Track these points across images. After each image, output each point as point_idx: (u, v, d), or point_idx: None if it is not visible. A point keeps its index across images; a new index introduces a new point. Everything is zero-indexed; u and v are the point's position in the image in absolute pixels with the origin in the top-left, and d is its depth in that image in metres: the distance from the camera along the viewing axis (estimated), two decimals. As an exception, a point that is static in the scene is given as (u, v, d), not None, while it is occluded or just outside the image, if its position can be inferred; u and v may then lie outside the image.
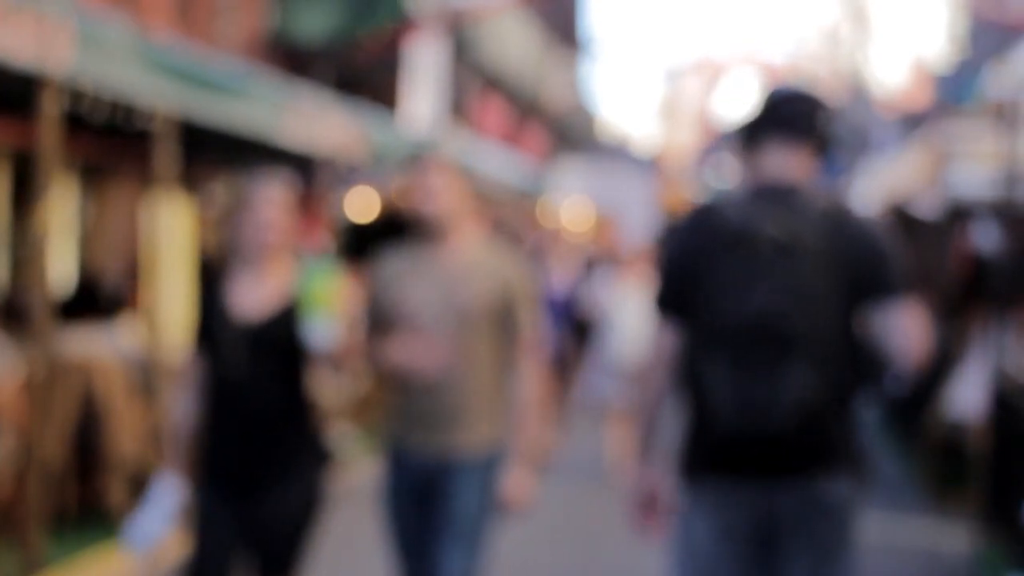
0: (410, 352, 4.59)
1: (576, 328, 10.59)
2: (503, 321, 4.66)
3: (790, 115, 3.81)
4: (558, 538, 8.17)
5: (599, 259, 16.36)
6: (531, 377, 4.71)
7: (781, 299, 3.63)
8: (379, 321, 4.69)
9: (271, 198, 4.55)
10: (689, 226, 3.81)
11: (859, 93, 35.66)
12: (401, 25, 15.76)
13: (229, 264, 4.69)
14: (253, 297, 4.54)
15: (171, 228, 8.13)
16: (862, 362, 3.74)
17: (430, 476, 4.62)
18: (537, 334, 4.74)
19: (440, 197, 4.66)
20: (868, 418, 13.29)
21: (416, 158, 4.81)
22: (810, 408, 3.62)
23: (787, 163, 3.79)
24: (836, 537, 3.70)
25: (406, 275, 4.67)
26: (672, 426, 3.92)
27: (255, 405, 4.47)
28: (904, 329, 3.69)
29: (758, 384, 3.62)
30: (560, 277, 10.70)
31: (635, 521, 3.91)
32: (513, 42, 25.03)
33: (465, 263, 4.67)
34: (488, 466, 4.64)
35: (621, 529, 8.47)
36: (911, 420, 11.06)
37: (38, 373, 6.68)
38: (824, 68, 38.97)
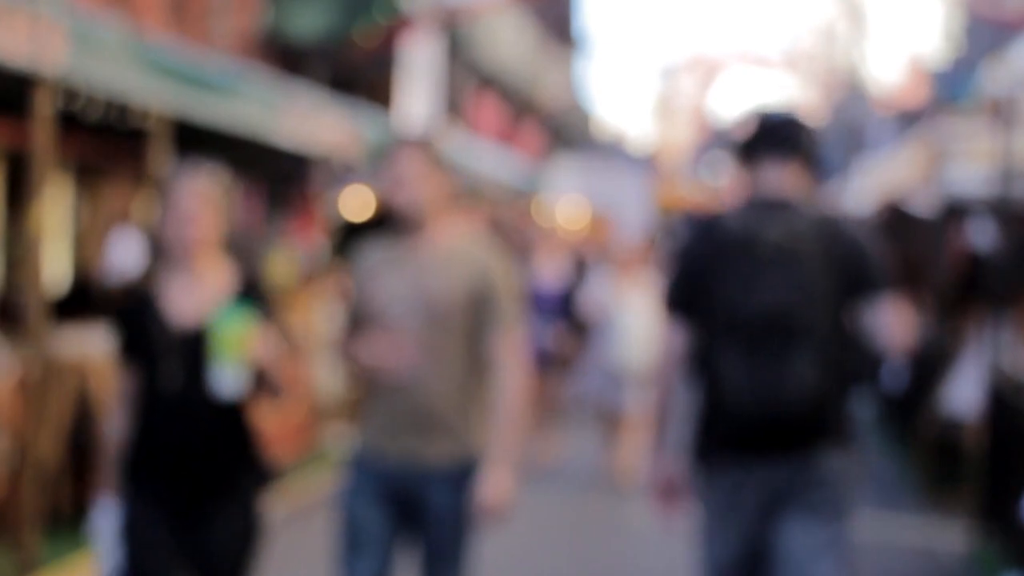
0: (377, 351, 4.32)
1: (574, 327, 10.52)
2: (481, 317, 4.34)
3: (782, 137, 4.30)
4: (553, 542, 8.16)
5: (596, 258, 16.34)
6: (512, 377, 4.35)
7: (785, 295, 4.10)
8: (356, 318, 4.44)
9: (194, 190, 4.21)
10: (696, 235, 4.31)
11: (855, 90, 35.70)
12: (395, 23, 15.75)
13: (159, 267, 4.37)
14: (188, 301, 4.23)
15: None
16: (855, 351, 4.21)
17: (403, 486, 4.32)
18: (519, 331, 4.41)
19: (413, 185, 4.34)
20: (864, 416, 13.29)
21: (391, 143, 4.48)
22: (813, 391, 4.08)
23: (781, 179, 4.27)
24: (829, 504, 4.14)
25: (379, 269, 4.39)
26: (682, 418, 4.30)
27: (192, 419, 4.17)
28: (889, 321, 4.16)
29: (768, 371, 4.08)
30: (551, 273, 10.65)
31: (656, 507, 4.34)
32: (508, 40, 25.02)
33: (439, 256, 4.36)
34: (466, 477, 4.33)
35: (619, 533, 8.46)
36: (907, 418, 11.06)
37: (33, 373, 6.67)
38: (820, 66, 39.00)
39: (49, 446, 7.16)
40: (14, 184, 9.49)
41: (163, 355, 4.17)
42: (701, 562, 4.26)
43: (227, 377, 4.12)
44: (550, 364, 10.52)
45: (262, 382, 4.24)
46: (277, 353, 4.24)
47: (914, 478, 10.09)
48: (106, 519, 4.25)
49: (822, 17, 42.79)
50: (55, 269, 9.67)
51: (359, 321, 4.42)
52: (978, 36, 19.98)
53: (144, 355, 4.20)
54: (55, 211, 9.48)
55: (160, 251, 4.39)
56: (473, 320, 4.34)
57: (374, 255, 4.46)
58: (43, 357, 6.76)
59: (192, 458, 4.17)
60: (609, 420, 9.96)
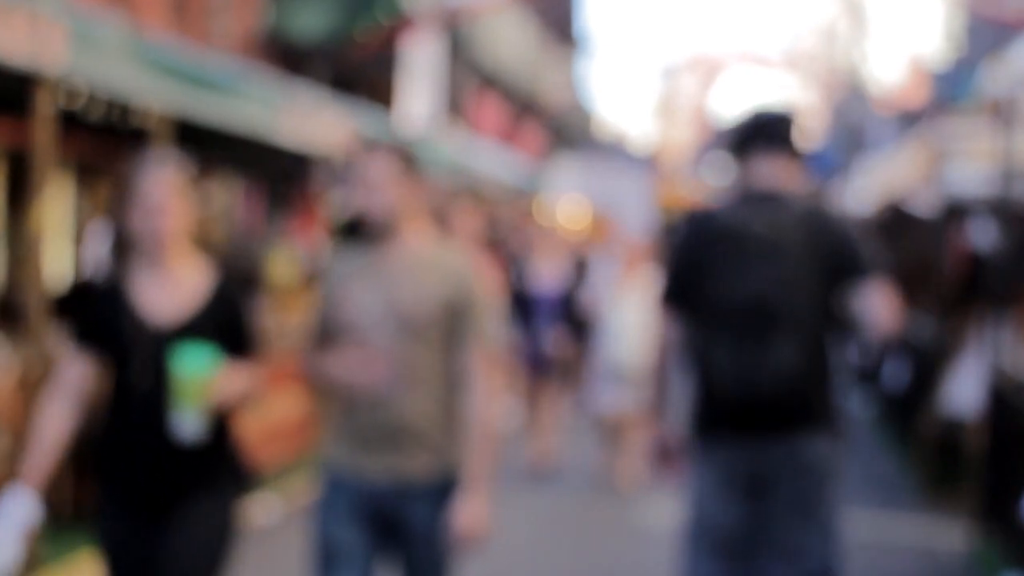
0: (350, 366, 4.11)
1: (574, 330, 10.40)
2: (456, 328, 4.14)
3: (772, 132, 4.53)
4: (553, 545, 8.16)
5: (598, 257, 16.34)
6: (485, 394, 4.14)
7: (768, 285, 4.36)
8: (323, 330, 4.21)
9: (161, 179, 4.02)
10: (689, 229, 4.57)
11: (856, 91, 35.67)
12: (397, 23, 15.76)
13: (128, 261, 4.19)
14: (162, 297, 4.07)
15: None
16: (839, 335, 4.48)
17: (381, 503, 4.13)
18: (496, 342, 4.21)
19: (383, 190, 4.13)
20: (864, 416, 13.28)
21: (360, 146, 4.32)
22: (793, 374, 4.35)
23: (771, 172, 4.51)
24: (813, 489, 4.41)
25: (349, 278, 4.17)
26: (680, 396, 4.63)
27: (164, 418, 3.99)
28: (874, 304, 4.39)
29: (751, 355, 4.35)
30: (551, 274, 10.55)
31: (654, 469, 4.68)
32: (509, 40, 25.02)
33: (412, 264, 4.15)
34: (447, 492, 4.14)
35: (619, 535, 8.46)
36: (907, 417, 11.06)
37: (33, 372, 6.68)
38: (820, 66, 38.98)
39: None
40: (15, 183, 9.49)
41: (135, 353, 4.02)
42: (695, 532, 4.50)
43: (188, 423, 3.98)
44: (549, 368, 10.40)
45: (231, 413, 4.11)
46: (245, 383, 4.08)
47: (914, 478, 10.09)
48: (12, 510, 3.99)
49: (823, 17, 42.80)
50: (56, 268, 9.68)
51: (328, 333, 4.21)
52: (978, 36, 19.97)
53: (114, 352, 4.05)
54: (56, 210, 9.48)
55: (128, 245, 4.21)
56: (449, 331, 4.14)
57: (343, 263, 4.26)
58: (43, 356, 6.76)
59: (164, 458, 4.01)
60: (606, 423, 9.89)
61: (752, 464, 4.41)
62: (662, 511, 8.50)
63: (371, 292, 4.13)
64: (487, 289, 4.22)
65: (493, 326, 4.20)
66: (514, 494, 9.20)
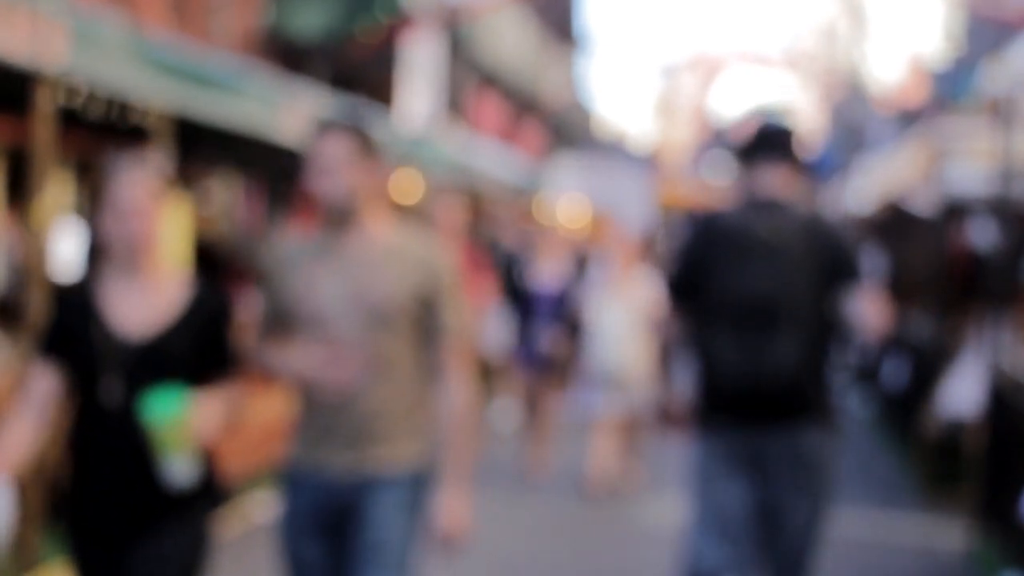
0: (316, 363, 3.85)
1: (571, 330, 10.33)
2: (426, 319, 3.92)
3: (775, 144, 4.86)
4: (550, 547, 8.16)
5: (597, 256, 16.31)
6: (459, 389, 3.94)
7: (770, 285, 4.65)
8: (277, 321, 3.97)
9: (135, 181, 3.77)
10: (696, 230, 4.89)
11: (856, 90, 35.67)
12: (397, 21, 15.75)
13: (98, 269, 3.94)
14: (135, 307, 3.82)
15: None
16: (834, 334, 4.75)
17: (343, 499, 3.91)
18: (467, 332, 3.99)
19: (340, 172, 3.86)
20: (864, 416, 13.28)
21: (314, 126, 3.95)
22: (792, 369, 4.62)
23: (774, 181, 4.83)
24: (810, 476, 4.69)
25: (308, 267, 3.91)
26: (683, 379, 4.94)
27: (134, 437, 3.75)
28: (864, 307, 4.67)
29: (753, 349, 4.62)
30: (550, 273, 10.50)
31: (660, 427, 5.00)
32: (509, 39, 25.02)
33: (377, 253, 3.90)
34: (413, 485, 3.91)
35: (618, 540, 8.45)
36: (907, 417, 11.06)
37: (33, 371, 6.66)
38: (820, 65, 38.98)
39: (49, 444, 7.16)
40: (15, 181, 9.49)
41: (105, 368, 3.77)
42: (702, 519, 4.74)
43: (178, 469, 3.79)
44: (547, 369, 10.35)
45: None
46: (224, 410, 3.88)
47: (914, 477, 10.09)
48: None
49: (823, 17, 42.79)
50: (56, 267, 9.66)
51: (278, 325, 3.98)
52: (978, 36, 19.97)
53: (81, 366, 3.80)
54: (55, 208, 9.48)
55: (101, 251, 3.95)
56: (419, 322, 3.92)
57: (295, 250, 3.99)
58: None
59: (134, 478, 3.79)
60: (596, 427, 9.81)
61: (754, 452, 4.69)
62: (661, 512, 8.50)
63: (335, 282, 3.89)
64: (457, 280, 3.99)
65: (464, 317, 3.99)
66: (512, 495, 9.20)
